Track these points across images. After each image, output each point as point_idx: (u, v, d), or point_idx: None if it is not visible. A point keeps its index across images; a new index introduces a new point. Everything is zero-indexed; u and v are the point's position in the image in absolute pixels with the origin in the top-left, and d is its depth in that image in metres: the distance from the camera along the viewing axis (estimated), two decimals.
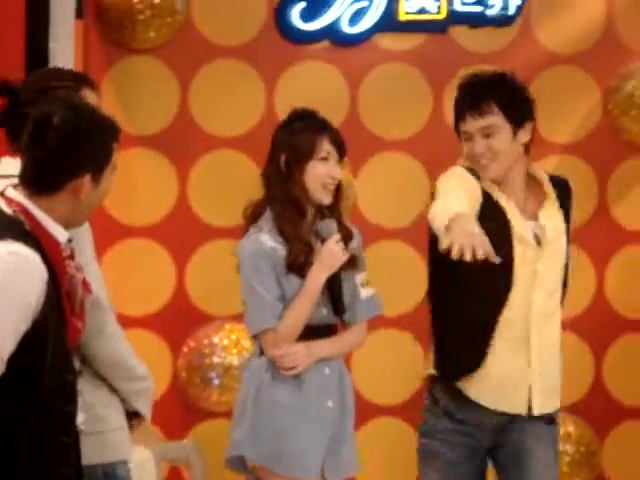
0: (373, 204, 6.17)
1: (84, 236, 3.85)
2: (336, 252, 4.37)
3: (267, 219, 4.41)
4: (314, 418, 4.42)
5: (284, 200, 4.40)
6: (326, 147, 4.36)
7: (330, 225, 4.39)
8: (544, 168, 4.52)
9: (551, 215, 4.43)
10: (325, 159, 4.33)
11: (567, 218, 4.50)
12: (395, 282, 6.06)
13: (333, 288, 4.42)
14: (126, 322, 4.11)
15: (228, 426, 5.71)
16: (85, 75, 4.06)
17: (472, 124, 4.37)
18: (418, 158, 6.15)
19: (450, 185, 4.37)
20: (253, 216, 4.44)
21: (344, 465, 4.50)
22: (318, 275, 4.38)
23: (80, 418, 3.64)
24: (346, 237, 4.41)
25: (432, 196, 4.41)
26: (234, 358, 5.94)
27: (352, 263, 4.38)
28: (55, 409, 3.51)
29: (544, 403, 4.44)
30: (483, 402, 4.41)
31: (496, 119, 4.36)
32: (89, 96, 3.90)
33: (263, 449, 4.42)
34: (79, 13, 5.57)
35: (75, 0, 5.47)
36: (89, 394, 3.86)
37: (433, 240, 4.32)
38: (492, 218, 4.35)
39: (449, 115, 5.99)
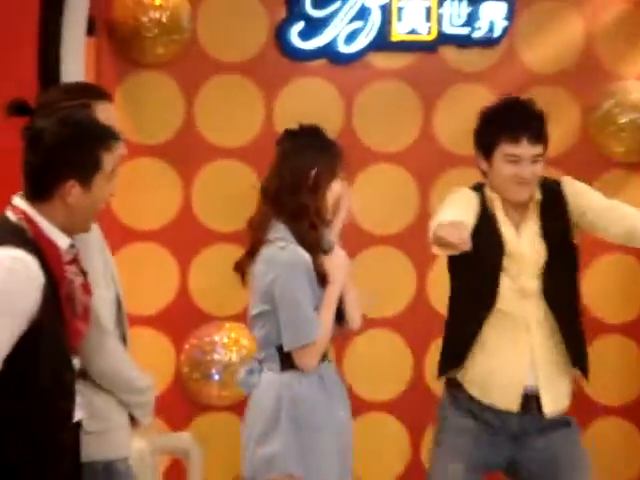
0: (365, 213, 6.19)
1: (92, 253, 3.84)
2: (346, 261, 4.35)
3: (282, 231, 4.32)
4: (337, 428, 4.37)
5: (308, 214, 4.33)
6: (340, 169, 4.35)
7: (330, 238, 4.37)
8: None
9: (529, 230, 4.42)
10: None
11: (563, 218, 4.44)
12: (384, 285, 6.15)
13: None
14: (132, 321, 4.09)
15: (227, 419, 5.86)
16: (97, 88, 4.05)
17: (528, 149, 4.33)
18: (409, 170, 6.17)
19: (447, 203, 4.39)
20: (261, 227, 4.36)
21: (349, 469, 4.46)
22: (340, 285, 4.33)
23: (79, 415, 3.63)
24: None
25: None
26: (233, 355, 5.94)
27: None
28: (52, 407, 3.51)
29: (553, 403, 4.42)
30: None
31: (542, 148, 4.37)
32: (104, 108, 3.89)
33: (304, 462, 4.28)
34: (90, 30, 5.56)
35: (86, 18, 5.44)
36: (92, 395, 3.83)
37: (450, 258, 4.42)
38: (487, 233, 4.37)
39: (439, 129, 6.26)
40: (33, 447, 3.47)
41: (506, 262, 4.37)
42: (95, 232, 3.86)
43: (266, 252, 4.27)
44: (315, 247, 4.28)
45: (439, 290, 5.91)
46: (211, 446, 5.71)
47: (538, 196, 4.38)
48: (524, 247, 4.39)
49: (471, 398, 4.43)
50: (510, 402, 4.36)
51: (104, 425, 3.87)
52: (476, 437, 4.42)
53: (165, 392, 5.72)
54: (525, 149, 4.32)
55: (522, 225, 4.41)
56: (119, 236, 5.79)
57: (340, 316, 4.38)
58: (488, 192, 4.41)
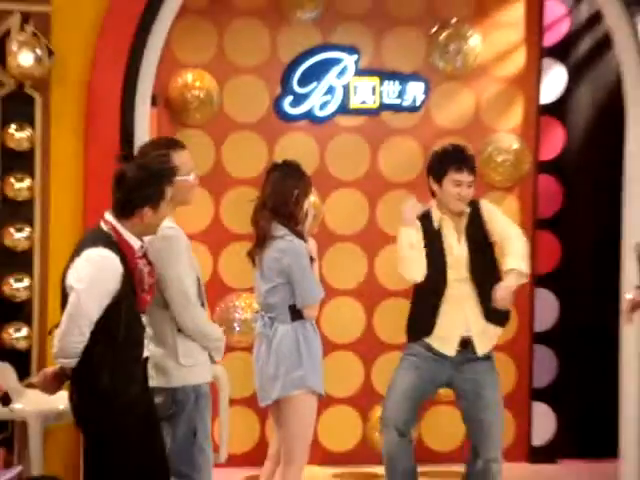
0: (334, 220, 6.31)
1: (182, 250, 3.84)
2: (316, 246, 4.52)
3: (283, 229, 4.35)
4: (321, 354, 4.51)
5: (295, 218, 4.38)
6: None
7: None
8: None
9: (463, 235, 4.54)
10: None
11: (481, 228, 4.53)
12: (346, 268, 6.29)
13: None
14: None
15: (244, 356, 5.66)
16: (174, 141, 4.03)
17: (466, 177, 4.48)
18: (363, 192, 6.29)
19: (405, 246, 4.51)
20: (266, 227, 4.38)
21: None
22: (317, 262, 4.47)
23: (146, 353, 3.70)
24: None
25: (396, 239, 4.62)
26: (248, 314, 5.97)
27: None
28: (128, 349, 3.61)
29: (482, 347, 4.55)
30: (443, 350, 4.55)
31: (474, 177, 4.54)
32: (179, 155, 3.88)
33: (319, 381, 4.34)
34: (154, 103, 5.58)
35: (151, 95, 5.36)
36: (186, 342, 3.84)
37: None
38: (433, 240, 4.51)
39: (382, 165, 6.29)
40: (115, 376, 3.56)
41: (449, 260, 4.50)
42: (183, 239, 3.91)
43: (280, 244, 4.33)
44: (303, 238, 4.39)
45: (383, 271, 6.27)
46: (233, 374, 5.61)
47: (467, 210, 4.56)
48: (462, 248, 4.52)
49: (422, 348, 4.55)
50: (451, 347, 4.51)
51: (193, 361, 3.86)
52: (429, 360, 4.53)
53: None
54: (465, 177, 4.50)
55: (460, 233, 4.53)
56: None
57: None
58: (437, 214, 4.53)
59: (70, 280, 3.54)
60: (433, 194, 4.59)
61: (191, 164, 3.97)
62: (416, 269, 4.49)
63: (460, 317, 4.50)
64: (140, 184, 3.59)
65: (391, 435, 4.53)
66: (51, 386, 3.69)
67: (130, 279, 3.57)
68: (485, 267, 4.53)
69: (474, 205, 4.60)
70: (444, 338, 4.51)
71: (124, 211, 3.62)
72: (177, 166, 3.81)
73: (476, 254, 4.52)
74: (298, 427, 4.33)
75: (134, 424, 3.58)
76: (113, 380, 3.54)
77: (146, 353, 3.71)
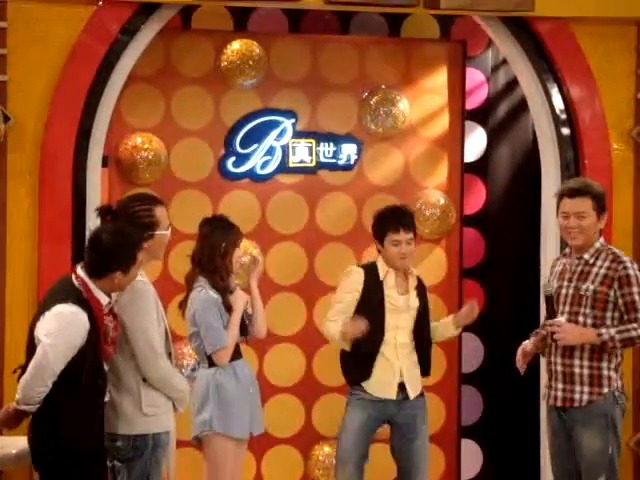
0: (275, 271, 6.31)
1: (151, 306, 3.85)
2: (244, 297, 4.57)
3: (201, 281, 4.44)
4: (246, 398, 4.52)
5: (219, 271, 4.45)
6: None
7: (234, 284, 4.58)
8: None
9: (410, 296, 4.68)
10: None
11: (424, 296, 4.74)
12: (287, 316, 6.29)
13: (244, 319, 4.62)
14: None
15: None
16: (155, 197, 4.07)
17: (403, 236, 4.57)
18: (301, 244, 6.32)
19: (338, 293, 4.67)
20: (191, 281, 4.50)
21: (260, 424, 4.63)
22: (239, 312, 4.54)
23: (106, 398, 3.76)
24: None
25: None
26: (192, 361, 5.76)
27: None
28: (89, 399, 3.67)
29: (414, 391, 4.69)
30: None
31: (413, 234, 4.64)
32: (160, 209, 3.92)
33: (225, 423, 4.40)
34: (104, 164, 5.62)
35: (102, 157, 5.39)
36: (152, 392, 3.83)
37: None
38: (376, 291, 4.60)
39: (319, 220, 6.35)
40: (74, 423, 3.62)
41: (389, 309, 4.59)
42: (152, 293, 3.91)
43: (191, 295, 4.49)
44: (223, 291, 4.46)
45: (321, 318, 5.84)
46: (180, 416, 5.25)
47: (414, 273, 4.71)
48: (407, 301, 4.66)
49: (365, 392, 4.62)
50: (390, 393, 4.62)
51: (156, 410, 3.84)
52: (374, 401, 4.58)
53: None
54: (402, 236, 4.58)
55: (401, 287, 4.65)
56: None
57: (243, 330, 4.55)
58: (383, 267, 4.62)
59: (39, 332, 3.59)
60: (379, 251, 4.74)
61: (168, 220, 4.00)
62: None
63: (392, 365, 4.62)
64: (114, 249, 3.62)
65: (348, 471, 4.62)
66: (12, 421, 3.72)
67: (96, 333, 3.62)
68: (424, 320, 4.73)
69: (421, 282, 4.77)
70: (382, 384, 4.60)
71: (95, 272, 3.65)
72: (159, 220, 3.87)
73: (420, 312, 4.70)
74: (211, 466, 4.42)
75: (88, 471, 3.64)
76: (72, 428, 3.59)
77: (106, 398, 3.75)
